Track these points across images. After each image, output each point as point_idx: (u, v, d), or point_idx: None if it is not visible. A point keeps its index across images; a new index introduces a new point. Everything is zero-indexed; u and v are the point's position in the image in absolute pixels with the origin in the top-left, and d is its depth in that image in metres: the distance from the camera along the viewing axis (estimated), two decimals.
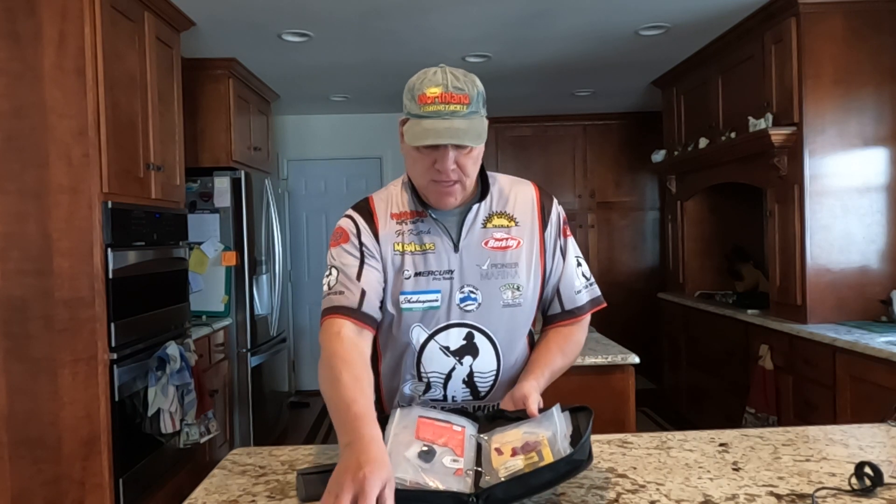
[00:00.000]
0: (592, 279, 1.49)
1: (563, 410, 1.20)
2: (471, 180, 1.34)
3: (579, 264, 1.47)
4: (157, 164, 3.00)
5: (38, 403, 2.51)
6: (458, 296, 1.36)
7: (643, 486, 1.19)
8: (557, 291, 1.44)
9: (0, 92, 2.47)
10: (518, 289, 1.38)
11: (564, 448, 1.08)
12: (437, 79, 1.26)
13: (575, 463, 1.04)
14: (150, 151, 2.97)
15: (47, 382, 2.51)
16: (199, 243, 3.96)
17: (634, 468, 1.29)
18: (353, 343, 1.28)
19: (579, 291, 1.45)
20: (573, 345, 1.44)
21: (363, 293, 1.32)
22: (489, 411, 1.35)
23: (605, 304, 1.50)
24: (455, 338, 1.37)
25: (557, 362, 1.39)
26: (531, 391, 1.25)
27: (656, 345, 5.18)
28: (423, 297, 1.36)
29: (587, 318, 1.48)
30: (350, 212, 1.43)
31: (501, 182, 1.46)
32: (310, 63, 4.22)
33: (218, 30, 3.54)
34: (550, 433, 1.13)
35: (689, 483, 1.20)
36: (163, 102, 3.12)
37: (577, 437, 1.12)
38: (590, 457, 1.07)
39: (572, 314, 1.44)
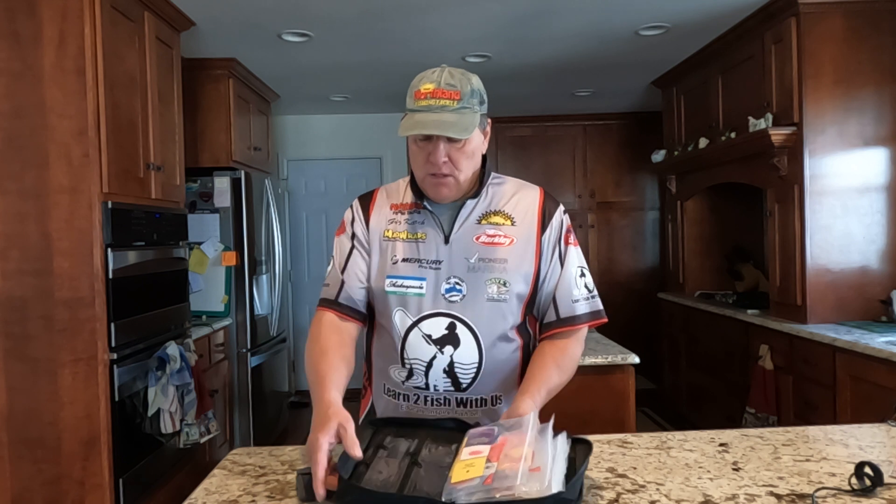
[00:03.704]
0: (595, 293, 1.46)
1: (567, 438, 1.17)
2: (464, 175, 1.39)
3: (582, 275, 1.45)
4: (157, 164, 3.00)
5: (38, 403, 2.51)
6: (443, 286, 1.39)
7: (643, 486, 1.19)
8: (554, 299, 1.43)
9: (0, 92, 2.47)
10: (504, 284, 1.39)
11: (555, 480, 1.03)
12: (433, 77, 1.34)
13: (565, 501, 0.99)
14: (150, 151, 2.97)
15: (47, 382, 2.51)
16: (199, 243, 3.96)
17: (634, 468, 1.29)
18: (334, 327, 1.42)
19: (577, 300, 1.42)
20: (569, 360, 1.41)
21: (342, 284, 1.45)
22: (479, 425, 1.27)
23: (605, 320, 1.45)
24: (437, 327, 1.39)
25: (554, 379, 1.36)
26: (528, 411, 1.23)
27: (656, 345, 5.18)
28: (407, 283, 1.40)
29: (583, 330, 1.45)
30: (354, 201, 1.53)
31: (508, 184, 1.49)
32: (310, 63, 4.22)
33: (218, 30, 3.54)
34: (551, 458, 1.07)
35: (689, 483, 1.20)
36: (163, 102, 3.12)
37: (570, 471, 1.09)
38: (580, 497, 1.05)
39: (567, 322, 1.42)
